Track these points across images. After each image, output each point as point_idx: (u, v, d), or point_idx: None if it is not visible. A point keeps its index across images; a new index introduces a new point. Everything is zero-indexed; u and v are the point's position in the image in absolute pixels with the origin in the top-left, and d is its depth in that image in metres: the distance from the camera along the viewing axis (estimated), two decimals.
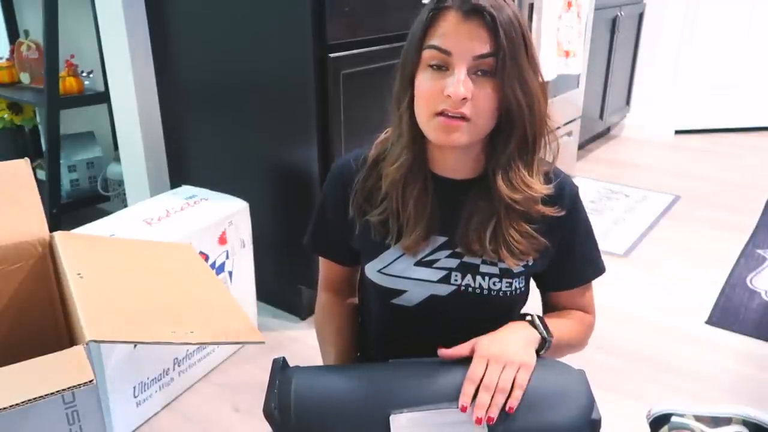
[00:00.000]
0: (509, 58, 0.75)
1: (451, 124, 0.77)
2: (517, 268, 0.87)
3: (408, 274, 0.89)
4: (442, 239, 0.88)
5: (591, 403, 0.79)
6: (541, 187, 0.84)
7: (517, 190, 0.82)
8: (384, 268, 0.90)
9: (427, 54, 0.78)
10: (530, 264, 0.89)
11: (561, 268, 0.92)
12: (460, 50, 0.76)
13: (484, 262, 0.87)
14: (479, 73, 0.77)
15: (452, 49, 0.76)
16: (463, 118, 0.77)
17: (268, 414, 0.78)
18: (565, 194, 0.88)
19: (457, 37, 0.76)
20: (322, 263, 1.03)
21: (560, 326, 0.89)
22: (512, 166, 0.82)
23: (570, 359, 0.88)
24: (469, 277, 0.88)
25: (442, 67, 0.77)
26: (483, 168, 0.85)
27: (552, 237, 0.87)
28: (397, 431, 0.75)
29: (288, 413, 0.78)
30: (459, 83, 0.75)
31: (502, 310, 0.90)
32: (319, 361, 1.58)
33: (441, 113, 0.77)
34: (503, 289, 0.88)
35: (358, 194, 0.90)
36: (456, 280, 0.88)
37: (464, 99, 0.76)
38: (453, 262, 0.88)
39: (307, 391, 0.80)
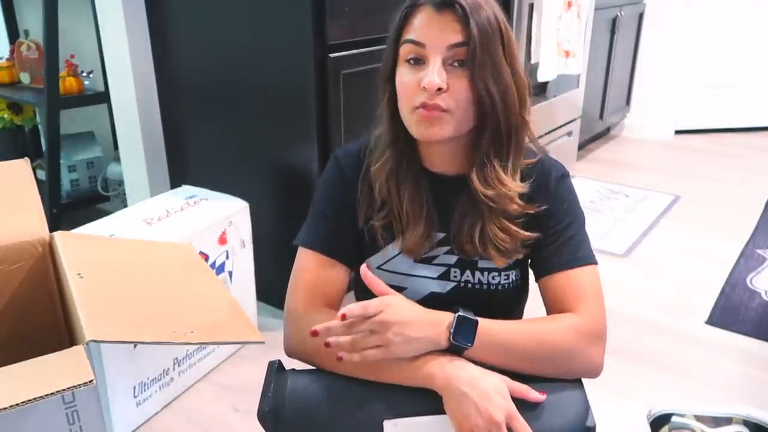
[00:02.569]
0: (480, 49, 0.76)
1: (430, 117, 0.78)
2: (504, 265, 0.86)
3: (408, 271, 0.89)
4: (440, 235, 0.88)
5: (586, 409, 0.78)
6: (515, 185, 0.83)
7: (491, 187, 0.82)
8: (384, 264, 0.90)
9: (403, 49, 0.81)
10: (520, 259, 0.89)
11: (546, 251, 0.87)
12: (433, 41, 0.77)
13: (481, 257, 0.87)
14: (455, 64, 0.78)
15: (426, 41, 0.78)
16: (440, 109, 0.78)
17: (262, 418, 0.78)
18: (551, 180, 0.87)
19: (430, 29, 0.78)
20: (318, 271, 0.89)
21: (509, 324, 0.81)
22: (486, 163, 0.83)
23: None
24: (468, 272, 0.88)
25: (419, 61, 0.79)
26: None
27: (538, 226, 0.86)
28: None
29: (282, 418, 0.77)
30: (434, 74, 0.76)
31: (501, 304, 0.90)
32: None
33: (420, 106, 0.78)
34: (501, 282, 0.88)
35: (361, 199, 0.89)
36: (455, 277, 0.88)
37: (440, 89, 0.77)
38: (452, 259, 0.88)
39: (301, 396, 0.79)
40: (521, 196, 0.84)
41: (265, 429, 0.79)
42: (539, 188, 0.86)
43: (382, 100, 0.86)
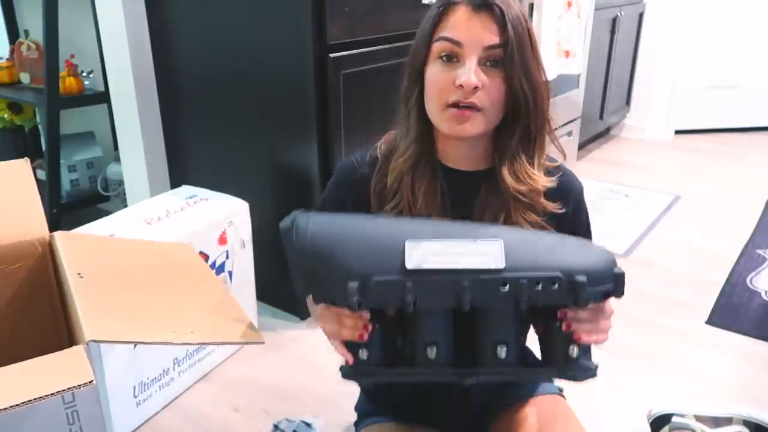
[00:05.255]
0: (516, 50, 0.78)
1: (463, 114, 0.80)
2: None
3: None
4: None
5: (613, 259, 0.77)
6: (544, 180, 0.86)
7: (522, 182, 0.84)
8: None
9: (437, 46, 0.81)
10: None
11: None
12: (471, 41, 0.79)
13: None
14: (488, 64, 0.80)
15: (463, 40, 0.79)
16: (475, 107, 0.79)
17: (284, 229, 0.76)
18: (573, 191, 0.91)
19: (468, 29, 0.79)
20: None
21: None
22: (516, 159, 0.85)
23: None
24: None
25: (453, 59, 0.80)
26: (491, 160, 0.87)
27: (558, 230, 0.88)
28: (410, 255, 0.74)
29: (303, 229, 0.76)
30: (471, 72, 0.78)
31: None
32: (317, 364, 1.58)
33: (453, 105, 0.80)
34: None
35: (372, 193, 0.90)
36: None
37: (476, 88, 0.78)
38: None
39: (326, 217, 0.79)
40: (545, 193, 0.86)
41: (285, 241, 0.77)
42: (563, 194, 0.88)
43: (410, 98, 0.86)
